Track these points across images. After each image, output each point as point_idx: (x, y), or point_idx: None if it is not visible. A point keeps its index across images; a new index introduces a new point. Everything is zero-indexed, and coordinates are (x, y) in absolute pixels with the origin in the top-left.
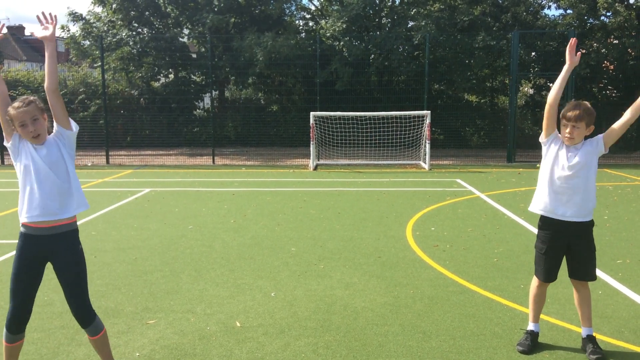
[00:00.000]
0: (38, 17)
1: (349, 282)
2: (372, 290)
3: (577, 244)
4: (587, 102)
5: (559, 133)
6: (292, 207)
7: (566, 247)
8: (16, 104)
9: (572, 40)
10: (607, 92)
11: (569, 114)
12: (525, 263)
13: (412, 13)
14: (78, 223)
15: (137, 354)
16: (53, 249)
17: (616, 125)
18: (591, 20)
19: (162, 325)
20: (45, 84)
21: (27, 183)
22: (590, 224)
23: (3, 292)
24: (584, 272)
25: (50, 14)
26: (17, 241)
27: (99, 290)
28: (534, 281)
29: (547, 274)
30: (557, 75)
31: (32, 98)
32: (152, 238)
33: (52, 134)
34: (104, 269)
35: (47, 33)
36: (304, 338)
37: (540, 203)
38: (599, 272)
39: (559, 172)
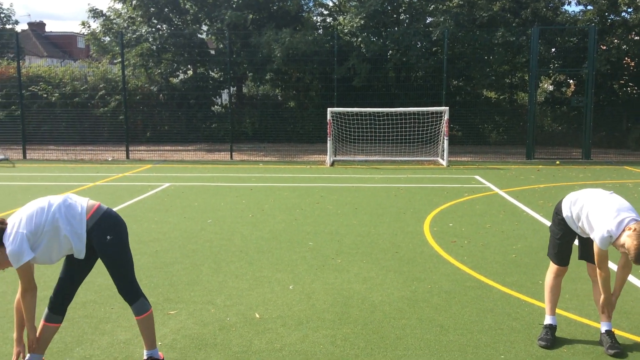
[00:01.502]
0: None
1: (366, 276)
2: (389, 285)
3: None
4: None
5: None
6: (309, 203)
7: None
8: None
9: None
10: (628, 89)
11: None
12: (543, 259)
13: (431, 9)
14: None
15: (160, 343)
16: (89, 241)
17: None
18: (612, 16)
19: (183, 315)
20: (19, 297)
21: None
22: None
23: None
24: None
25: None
26: None
27: None
28: (549, 272)
29: (560, 258)
30: (578, 72)
31: None
32: (173, 231)
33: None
34: None
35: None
36: (322, 330)
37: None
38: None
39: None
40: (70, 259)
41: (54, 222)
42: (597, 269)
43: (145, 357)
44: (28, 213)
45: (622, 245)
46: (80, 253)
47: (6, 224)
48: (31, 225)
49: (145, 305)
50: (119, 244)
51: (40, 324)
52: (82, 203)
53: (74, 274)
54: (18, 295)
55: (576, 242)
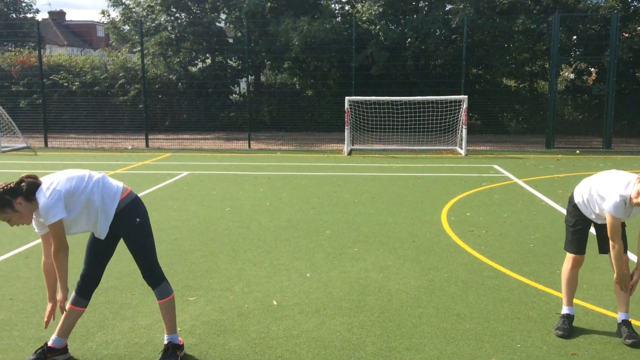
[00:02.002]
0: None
1: (383, 265)
2: (406, 274)
3: (604, 225)
4: None
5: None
6: (327, 191)
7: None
8: None
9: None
10: None
11: None
12: (561, 249)
13: None
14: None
15: (179, 329)
16: (116, 222)
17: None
18: (635, 3)
19: (202, 302)
20: (47, 259)
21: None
22: None
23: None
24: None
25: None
26: None
27: None
28: (566, 262)
29: (576, 247)
30: (600, 60)
31: None
32: (191, 219)
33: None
34: None
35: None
36: (339, 317)
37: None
38: (634, 258)
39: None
40: (93, 244)
41: (91, 194)
42: (610, 241)
43: (165, 342)
44: (68, 176)
45: (637, 196)
46: (103, 233)
47: (41, 182)
48: (70, 187)
49: (168, 289)
50: (146, 228)
51: (67, 306)
52: (118, 184)
53: (99, 258)
54: (44, 258)
55: (593, 231)
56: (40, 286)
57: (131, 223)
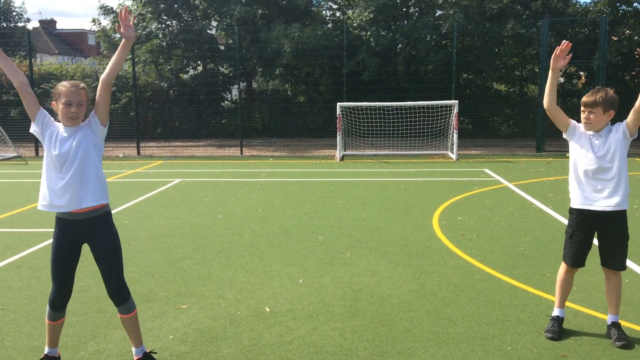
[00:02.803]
0: (120, 13)
1: (375, 269)
2: (398, 278)
3: (607, 233)
4: (608, 89)
5: (578, 123)
6: (319, 197)
7: (594, 235)
8: (67, 83)
9: (563, 45)
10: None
11: (585, 99)
12: (552, 252)
13: (440, 2)
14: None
15: (171, 337)
16: (88, 233)
17: (634, 109)
18: (623, 7)
19: (194, 309)
20: (104, 75)
21: (50, 169)
22: (622, 213)
23: (41, 278)
24: (611, 261)
25: (126, 11)
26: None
27: (132, 277)
28: (561, 268)
29: (573, 259)
30: (589, 63)
31: (83, 85)
32: (183, 227)
33: (85, 123)
34: (137, 256)
35: (131, 34)
36: (332, 323)
37: (576, 198)
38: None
39: (587, 163)
40: (58, 257)
41: (85, 157)
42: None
43: (140, 356)
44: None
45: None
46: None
47: None
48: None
49: (134, 302)
50: (119, 240)
51: (46, 325)
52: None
53: (69, 267)
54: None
55: (596, 242)
56: (32, 296)
57: (110, 232)
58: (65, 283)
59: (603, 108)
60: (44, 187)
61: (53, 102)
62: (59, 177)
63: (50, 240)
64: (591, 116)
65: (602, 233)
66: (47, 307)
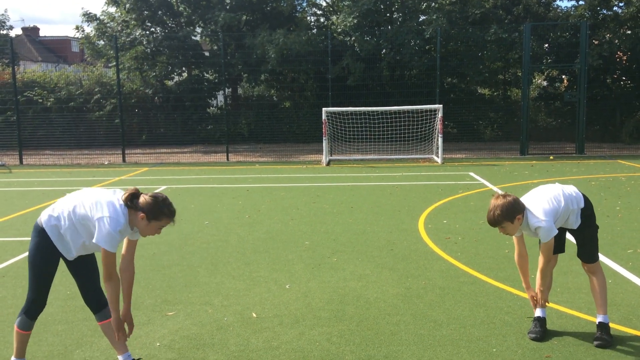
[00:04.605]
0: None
1: (361, 274)
2: (384, 282)
3: (575, 233)
4: (505, 200)
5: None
6: (306, 202)
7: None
8: (174, 211)
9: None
10: (621, 83)
11: (488, 220)
12: (536, 254)
13: (423, 7)
14: None
15: (158, 344)
16: None
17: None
18: (604, 11)
19: (181, 316)
20: (106, 281)
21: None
22: (581, 225)
23: (26, 287)
24: (581, 254)
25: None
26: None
27: None
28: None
29: None
30: (571, 67)
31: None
32: (170, 234)
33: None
34: None
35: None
36: (318, 327)
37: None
38: (609, 262)
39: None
40: (43, 264)
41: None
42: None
43: None
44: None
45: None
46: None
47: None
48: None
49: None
50: None
51: (15, 332)
52: None
53: (50, 280)
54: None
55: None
56: (17, 305)
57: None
58: (47, 291)
59: (506, 220)
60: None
61: (142, 215)
62: (82, 252)
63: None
64: (504, 231)
65: (571, 233)
66: (22, 317)
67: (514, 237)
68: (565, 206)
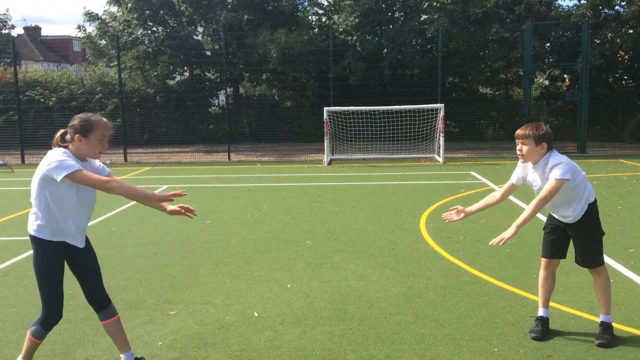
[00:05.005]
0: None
1: (363, 273)
2: (386, 281)
3: (575, 235)
4: (540, 123)
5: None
6: (307, 202)
7: (566, 232)
8: (103, 118)
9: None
10: (623, 82)
11: (517, 132)
12: (537, 254)
13: (425, 6)
14: (98, 220)
15: (160, 343)
16: (73, 248)
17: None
18: (605, 10)
19: (183, 316)
20: (111, 185)
21: (74, 211)
22: (582, 220)
23: (28, 286)
24: (581, 259)
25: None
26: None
27: (120, 284)
28: (541, 263)
29: (545, 250)
30: (572, 66)
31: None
32: (171, 233)
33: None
34: (125, 263)
35: (164, 208)
36: (320, 327)
37: None
38: (611, 261)
39: (536, 192)
40: (54, 275)
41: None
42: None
43: None
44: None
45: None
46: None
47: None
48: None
49: (115, 307)
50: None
51: (28, 337)
52: None
53: (62, 281)
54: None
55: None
56: (19, 305)
57: (88, 240)
58: (60, 302)
59: (535, 140)
60: (67, 225)
61: (77, 136)
62: (84, 219)
63: (29, 252)
64: (523, 149)
65: (570, 234)
66: (37, 327)
67: (509, 181)
68: (583, 180)
